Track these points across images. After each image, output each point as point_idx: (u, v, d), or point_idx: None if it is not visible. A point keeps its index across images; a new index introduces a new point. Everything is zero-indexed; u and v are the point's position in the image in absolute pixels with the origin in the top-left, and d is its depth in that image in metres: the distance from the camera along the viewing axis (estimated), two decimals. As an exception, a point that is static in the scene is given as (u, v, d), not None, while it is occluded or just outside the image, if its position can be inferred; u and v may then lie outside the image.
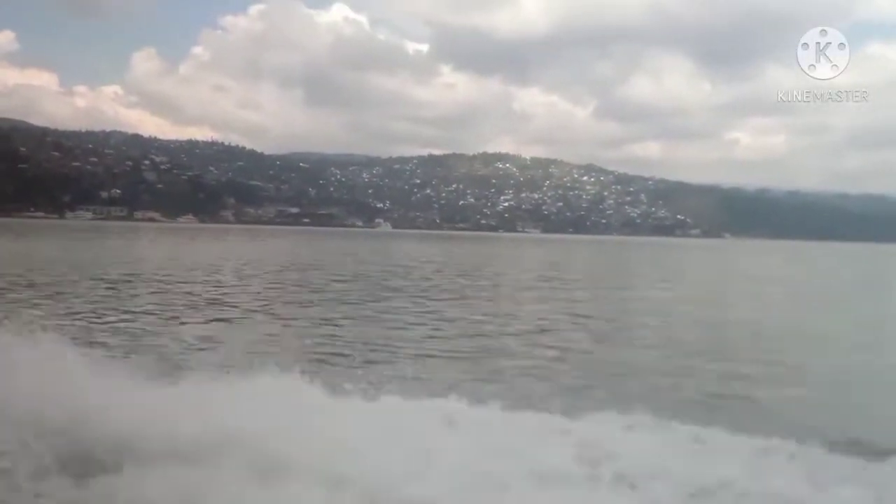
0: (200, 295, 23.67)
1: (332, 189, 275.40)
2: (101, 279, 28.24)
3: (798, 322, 21.88)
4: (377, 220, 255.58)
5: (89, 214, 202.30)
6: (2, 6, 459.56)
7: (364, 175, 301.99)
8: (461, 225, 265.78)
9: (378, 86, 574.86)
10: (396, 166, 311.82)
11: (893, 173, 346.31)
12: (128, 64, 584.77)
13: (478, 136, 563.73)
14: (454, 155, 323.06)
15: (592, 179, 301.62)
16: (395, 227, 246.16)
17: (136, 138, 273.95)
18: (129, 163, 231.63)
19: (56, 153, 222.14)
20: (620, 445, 6.82)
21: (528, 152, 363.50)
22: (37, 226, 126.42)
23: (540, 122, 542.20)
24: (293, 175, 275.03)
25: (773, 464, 6.65)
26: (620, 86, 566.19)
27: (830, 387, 12.07)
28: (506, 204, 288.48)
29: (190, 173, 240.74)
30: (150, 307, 20.20)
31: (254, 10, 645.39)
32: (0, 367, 7.75)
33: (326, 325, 17.88)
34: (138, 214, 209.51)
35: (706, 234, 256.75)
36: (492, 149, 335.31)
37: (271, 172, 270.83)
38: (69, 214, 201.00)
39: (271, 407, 7.09)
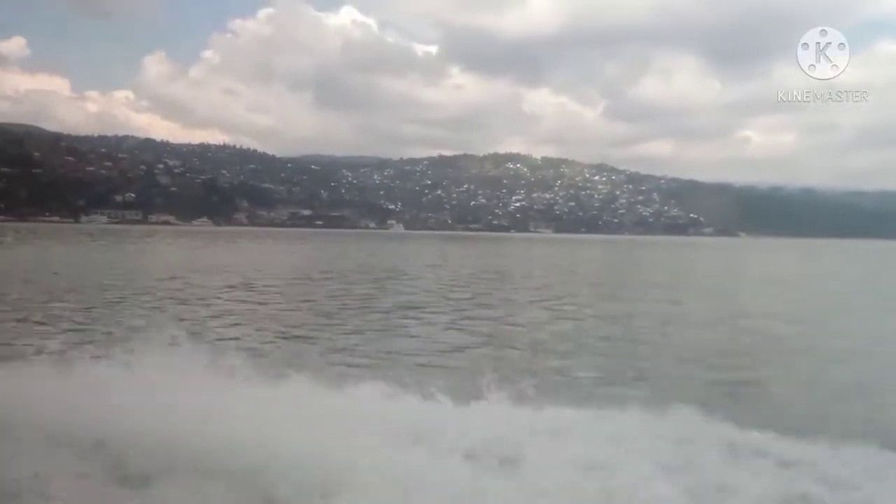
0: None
1: (343, 191, 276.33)
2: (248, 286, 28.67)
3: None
4: (390, 222, 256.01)
5: (104, 218, 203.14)
6: (13, 13, 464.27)
7: (375, 177, 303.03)
8: (473, 225, 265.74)
9: (387, 88, 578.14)
10: (407, 168, 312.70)
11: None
12: (138, 68, 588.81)
13: (487, 136, 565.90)
14: (465, 156, 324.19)
15: (604, 179, 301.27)
16: (407, 228, 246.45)
17: (149, 142, 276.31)
18: (143, 167, 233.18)
19: (70, 158, 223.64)
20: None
21: (539, 153, 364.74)
22: (61, 230, 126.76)
23: (550, 122, 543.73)
24: (304, 177, 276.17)
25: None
26: (630, 85, 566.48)
27: None
28: (517, 204, 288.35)
29: (203, 177, 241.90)
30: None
31: (262, 13, 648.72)
32: None
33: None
34: (153, 218, 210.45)
35: (720, 232, 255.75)
36: (502, 149, 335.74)
37: (283, 175, 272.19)
38: (84, 218, 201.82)
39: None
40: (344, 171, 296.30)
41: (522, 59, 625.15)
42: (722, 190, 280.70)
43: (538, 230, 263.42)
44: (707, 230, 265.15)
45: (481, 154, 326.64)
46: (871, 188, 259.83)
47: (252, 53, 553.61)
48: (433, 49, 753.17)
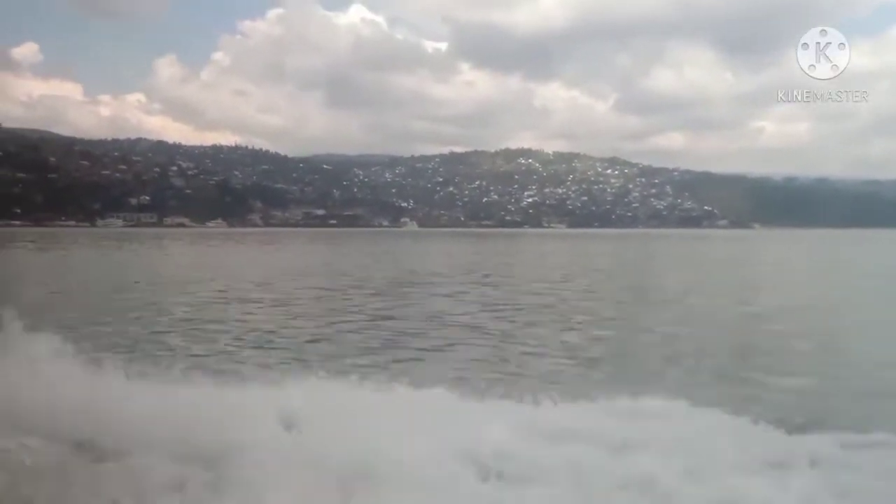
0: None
1: (355, 190, 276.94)
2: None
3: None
4: (403, 220, 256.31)
5: (120, 222, 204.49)
6: (24, 19, 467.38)
7: (387, 175, 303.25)
8: (486, 222, 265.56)
9: (398, 85, 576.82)
10: (419, 165, 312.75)
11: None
12: (149, 72, 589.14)
13: (498, 132, 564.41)
14: (476, 152, 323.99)
15: (616, 173, 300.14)
16: (420, 225, 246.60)
17: (161, 145, 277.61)
18: (157, 169, 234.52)
19: (85, 162, 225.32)
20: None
21: (550, 147, 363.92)
22: (82, 234, 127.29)
23: (561, 116, 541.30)
24: (316, 177, 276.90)
25: None
26: (641, 77, 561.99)
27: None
28: (530, 200, 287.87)
29: (217, 178, 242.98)
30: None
31: (272, 14, 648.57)
32: None
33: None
34: (167, 220, 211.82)
35: (734, 224, 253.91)
36: (513, 145, 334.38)
37: (295, 175, 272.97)
38: (100, 222, 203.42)
39: None
40: (355, 169, 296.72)
41: (533, 54, 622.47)
42: (736, 181, 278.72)
43: (551, 225, 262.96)
44: (721, 222, 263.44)
45: (493, 150, 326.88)
46: (888, 177, 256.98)
47: (262, 54, 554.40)
48: (443, 46, 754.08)
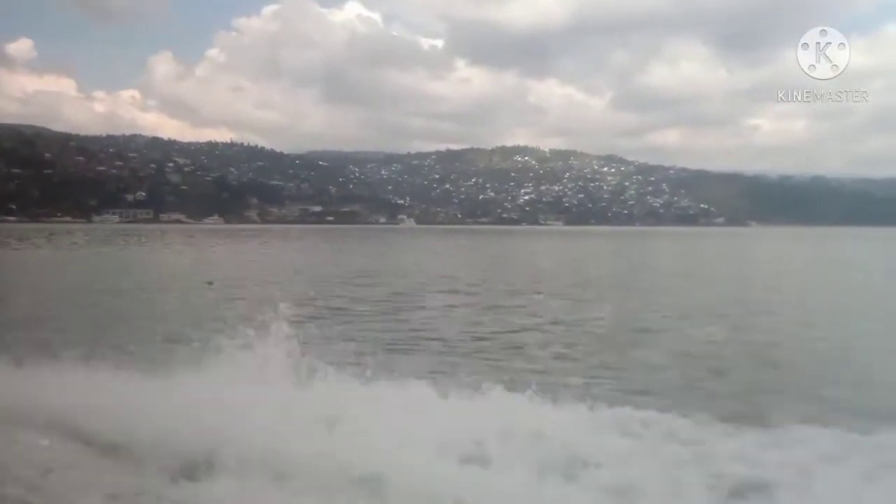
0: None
1: (351, 186, 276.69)
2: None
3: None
4: (400, 217, 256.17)
5: (116, 218, 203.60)
6: (18, 14, 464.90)
7: (383, 172, 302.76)
8: (483, 219, 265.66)
9: (393, 82, 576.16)
10: (415, 162, 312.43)
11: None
12: (144, 68, 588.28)
13: (495, 129, 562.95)
14: (472, 149, 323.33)
15: (613, 170, 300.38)
16: (417, 222, 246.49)
17: (157, 141, 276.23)
18: (153, 166, 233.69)
19: (80, 158, 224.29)
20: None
21: (547, 145, 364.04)
22: (90, 230, 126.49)
23: (557, 114, 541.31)
24: (312, 173, 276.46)
25: None
26: (637, 75, 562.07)
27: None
28: (526, 197, 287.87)
29: (213, 175, 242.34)
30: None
31: (267, 10, 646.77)
32: None
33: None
34: (164, 216, 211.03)
35: (730, 222, 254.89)
36: (510, 142, 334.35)
37: (291, 171, 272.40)
38: (96, 218, 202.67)
39: None
40: (351, 166, 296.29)
41: (528, 51, 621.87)
42: (732, 179, 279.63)
43: (548, 223, 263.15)
44: (718, 220, 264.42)
45: (489, 147, 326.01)
46: (883, 175, 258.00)
47: (257, 50, 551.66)
48: (439, 42, 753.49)
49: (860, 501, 5.81)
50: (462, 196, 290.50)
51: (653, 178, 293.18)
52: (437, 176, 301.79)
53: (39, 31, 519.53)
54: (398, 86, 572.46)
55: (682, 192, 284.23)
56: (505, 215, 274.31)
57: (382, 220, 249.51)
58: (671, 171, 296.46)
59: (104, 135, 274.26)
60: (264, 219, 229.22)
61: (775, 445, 6.97)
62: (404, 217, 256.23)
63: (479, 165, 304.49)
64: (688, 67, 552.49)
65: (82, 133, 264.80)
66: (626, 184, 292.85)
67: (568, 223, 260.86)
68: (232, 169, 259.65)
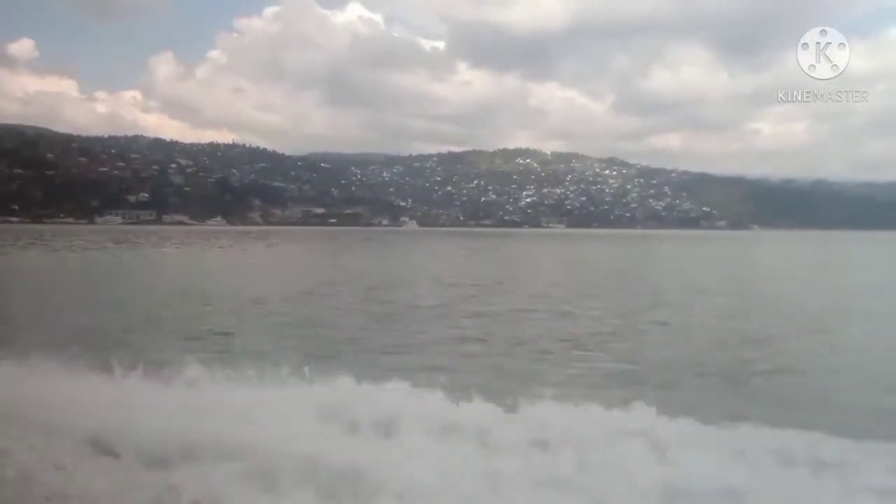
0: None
1: (353, 188, 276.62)
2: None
3: None
4: (403, 219, 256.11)
5: (118, 219, 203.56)
6: (20, 15, 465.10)
7: (384, 174, 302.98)
8: (485, 221, 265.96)
9: (395, 84, 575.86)
10: (416, 164, 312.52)
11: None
12: (145, 69, 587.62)
13: (496, 132, 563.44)
14: (474, 152, 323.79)
15: (615, 173, 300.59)
16: (419, 225, 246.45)
17: (158, 142, 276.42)
18: (156, 167, 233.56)
19: (83, 159, 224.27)
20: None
21: (548, 147, 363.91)
22: (115, 231, 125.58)
23: (558, 116, 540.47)
24: (314, 175, 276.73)
25: None
26: (639, 78, 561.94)
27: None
28: (528, 200, 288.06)
29: (216, 176, 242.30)
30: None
31: (268, 12, 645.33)
32: None
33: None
34: (167, 218, 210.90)
35: (733, 225, 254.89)
36: (511, 145, 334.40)
37: (293, 173, 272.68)
38: (98, 219, 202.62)
39: None
40: (353, 168, 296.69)
41: (530, 54, 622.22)
42: (734, 183, 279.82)
43: (550, 225, 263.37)
44: (720, 223, 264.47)
45: (491, 150, 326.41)
46: (885, 179, 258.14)
47: (258, 52, 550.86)
48: (441, 45, 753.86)
49: None
50: (464, 198, 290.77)
51: (655, 182, 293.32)
52: (439, 178, 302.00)
53: (41, 31, 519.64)
54: (400, 88, 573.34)
55: (684, 195, 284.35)
56: (507, 218, 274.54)
57: (385, 222, 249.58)
58: (673, 175, 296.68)
59: (106, 135, 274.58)
60: (267, 220, 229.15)
61: None
62: (406, 219, 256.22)
63: (480, 168, 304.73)
64: (689, 71, 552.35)
65: (84, 134, 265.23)
66: (628, 187, 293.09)
67: (570, 226, 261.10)
68: (234, 170, 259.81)
